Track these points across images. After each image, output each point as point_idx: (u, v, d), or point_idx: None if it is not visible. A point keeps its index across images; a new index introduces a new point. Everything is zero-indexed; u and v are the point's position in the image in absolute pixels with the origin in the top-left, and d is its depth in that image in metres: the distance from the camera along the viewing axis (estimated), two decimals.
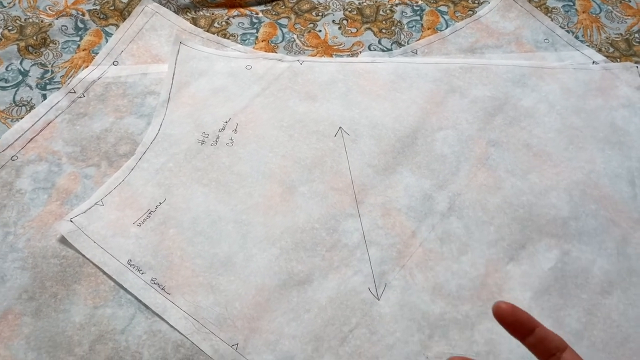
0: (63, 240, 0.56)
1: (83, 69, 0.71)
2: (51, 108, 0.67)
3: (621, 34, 0.79)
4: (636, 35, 0.79)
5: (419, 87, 0.70)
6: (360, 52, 0.76)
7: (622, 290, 0.56)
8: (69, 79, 0.70)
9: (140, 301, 0.53)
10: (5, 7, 0.78)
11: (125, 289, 0.54)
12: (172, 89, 0.69)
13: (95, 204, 0.59)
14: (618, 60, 0.76)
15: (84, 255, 0.55)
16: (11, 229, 0.57)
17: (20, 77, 0.70)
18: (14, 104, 0.67)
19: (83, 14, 0.77)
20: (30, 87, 0.69)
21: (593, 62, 0.75)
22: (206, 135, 0.65)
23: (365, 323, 0.53)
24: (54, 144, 0.64)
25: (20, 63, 0.71)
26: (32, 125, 0.65)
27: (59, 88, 0.69)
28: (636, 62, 0.75)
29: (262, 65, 0.72)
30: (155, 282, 0.54)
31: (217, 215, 0.59)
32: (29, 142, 0.64)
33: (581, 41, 0.78)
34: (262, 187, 0.61)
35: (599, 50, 0.77)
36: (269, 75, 0.71)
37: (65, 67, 0.72)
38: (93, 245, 0.56)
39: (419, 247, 0.58)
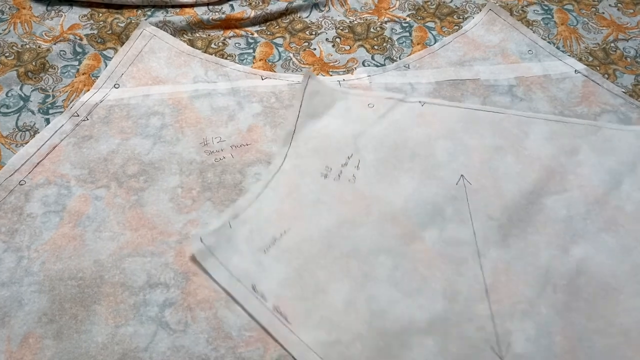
0: (79, 262, 0.56)
1: (84, 93, 0.72)
2: (55, 132, 0.67)
3: (598, 44, 0.84)
4: (612, 44, 0.84)
5: (542, 144, 0.70)
6: (355, 68, 0.78)
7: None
8: (71, 102, 0.71)
9: (265, 329, 0.53)
10: (0, 33, 0.78)
11: (251, 316, 0.54)
12: (298, 120, 0.70)
13: (222, 225, 0.59)
14: (598, 68, 0.80)
15: (211, 277, 0.56)
16: (25, 253, 0.57)
17: (22, 103, 0.70)
18: (17, 129, 0.68)
19: (81, 39, 0.78)
20: (33, 112, 0.69)
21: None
22: (329, 170, 0.65)
23: None
24: (61, 167, 0.64)
25: (21, 89, 0.72)
26: (38, 149, 0.65)
27: (61, 112, 0.69)
28: (615, 70, 0.79)
29: (384, 105, 0.73)
30: (278, 310, 0.54)
31: (339, 251, 0.59)
32: (36, 166, 0.64)
33: (562, 51, 0.82)
34: (383, 228, 0.61)
35: (580, 60, 0.81)
36: (391, 115, 0.71)
37: (67, 92, 0.72)
38: (220, 267, 0.56)
39: (541, 307, 0.56)
